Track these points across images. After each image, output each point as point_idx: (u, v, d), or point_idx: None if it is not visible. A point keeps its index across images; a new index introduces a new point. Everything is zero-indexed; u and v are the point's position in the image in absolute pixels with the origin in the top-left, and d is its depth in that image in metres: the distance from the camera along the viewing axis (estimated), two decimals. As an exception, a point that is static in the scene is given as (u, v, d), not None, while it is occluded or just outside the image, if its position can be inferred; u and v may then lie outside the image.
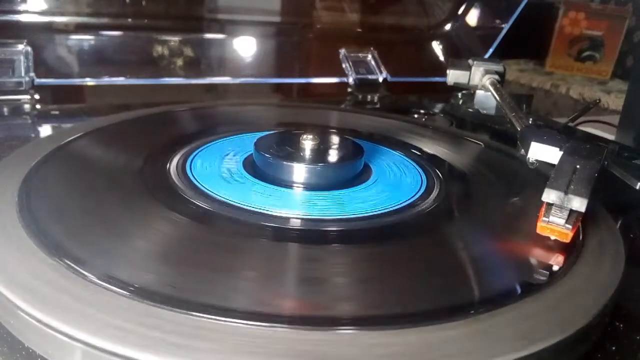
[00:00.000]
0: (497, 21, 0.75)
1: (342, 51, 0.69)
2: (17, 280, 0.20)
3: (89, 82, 0.58)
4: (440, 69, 0.64)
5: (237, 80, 0.66)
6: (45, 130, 0.48)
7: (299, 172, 0.32)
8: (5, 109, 0.49)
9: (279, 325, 0.19)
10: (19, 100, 0.51)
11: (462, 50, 0.77)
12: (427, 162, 0.38)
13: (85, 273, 0.21)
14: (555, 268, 0.25)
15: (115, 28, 0.61)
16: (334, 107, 0.57)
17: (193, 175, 0.32)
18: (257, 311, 0.20)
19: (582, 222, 0.28)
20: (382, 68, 0.69)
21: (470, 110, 0.55)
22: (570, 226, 0.26)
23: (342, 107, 0.60)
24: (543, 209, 0.27)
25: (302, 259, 0.25)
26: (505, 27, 0.74)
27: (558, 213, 0.26)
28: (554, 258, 0.26)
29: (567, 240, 0.26)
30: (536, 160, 0.31)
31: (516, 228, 0.30)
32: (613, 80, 1.26)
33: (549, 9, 1.32)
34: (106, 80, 0.58)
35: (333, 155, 0.34)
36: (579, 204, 0.25)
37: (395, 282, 0.23)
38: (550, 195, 0.26)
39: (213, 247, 0.25)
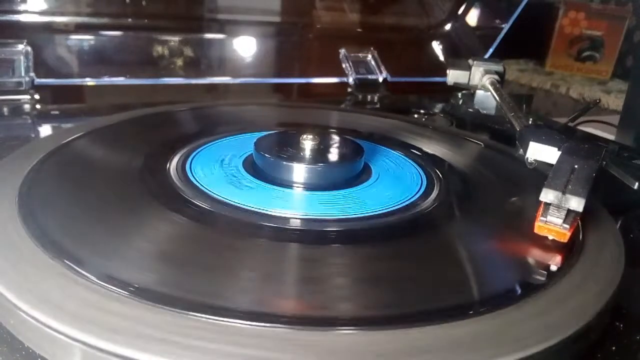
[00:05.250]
0: (497, 21, 0.75)
1: (342, 51, 0.69)
2: (17, 280, 0.21)
3: (89, 82, 0.57)
4: (440, 69, 0.64)
5: (237, 80, 0.66)
6: (45, 130, 0.48)
7: (299, 172, 0.32)
8: (5, 109, 0.49)
9: (279, 325, 0.19)
10: (19, 100, 0.51)
11: (462, 50, 0.77)
12: (427, 162, 0.38)
13: (85, 273, 0.21)
14: (555, 268, 0.25)
15: (115, 28, 0.61)
16: (334, 107, 0.57)
17: (193, 175, 0.32)
18: (257, 311, 0.20)
19: (582, 222, 0.28)
20: (382, 68, 0.69)
21: (470, 110, 0.55)
22: (567, 226, 0.26)
23: (342, 107, 0.60)
24: (541, 209, 0.27)
25: (302, 259, 0.25)
26: (505, 27, 0.74)
27: (556, 213, 0.26)
28: (554, 258, 0.26)
29: (565, 240, 0.26)
30: (535, 160, 0.31)
31: (516, 228, 0.30)
32: (613, 80, 1.26)
33: (549, 9, 1.32)
34: (106, 80, 0.58)
35: (333, 155, 0.34)
36: (577, 203, 0.25)
37: (395, 282, 0.23)
38: (547, 195, 0.26)
39: (213, 247, 0.25)
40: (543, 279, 0.24)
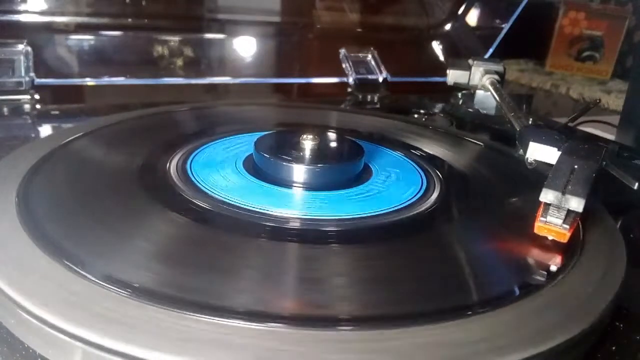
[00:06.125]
0: (497, 21, 0.75)
1: (342, 51, 0.69)
2: (17, 280, 0.21)
3: (89, 82, 0.58)
4: (440, 69, 0.64)
5: (237, 80, 0.66)
6: (45, 130, 0.48)
7: (299, 172, 0.32)
8: (5, 109, 0.49)
9: (278, 324, 0.19)
10: (19, 100, 0.51)
11: (462, 50, 0.77)
12: (427, 162, 0.38)
13: (85, 273, 0.21)
14: (555, 268, 0.25)
15: (115, 28, 0.61)
16: (334, 107, 0.57)
17: (193, 175, 0.32)
18: (257, 310, 0.20)
19: (583, 222, 0.28)
20: (382, 68, 0.69)
21: (470, 110, 0.55)
22: (567, 226, 0.26)
23: (342, 107, 0.60)
24: (541, 209, 0.27)
25: (301, 259, 0.25)
26: (505, 27, 0.74)
27: (555, 213, 0.26)
28: (554, 258, 0.26)
29: (565, 240, 0.26)
30: (534, 160, 0.31)
31: (517, 228, 0.30)
32: (613, 80, 1.26)
33: (549, 9, 1.32)
34: (106, 80, 0.58)
35: (333, 156, 0.34)
36: (577, 204, 0.25)
37: (394, 282, 0.23)
38: (547, 195, 0.26)
39: (213, 247, 0.25)
40: (543, 279, 0.24)
